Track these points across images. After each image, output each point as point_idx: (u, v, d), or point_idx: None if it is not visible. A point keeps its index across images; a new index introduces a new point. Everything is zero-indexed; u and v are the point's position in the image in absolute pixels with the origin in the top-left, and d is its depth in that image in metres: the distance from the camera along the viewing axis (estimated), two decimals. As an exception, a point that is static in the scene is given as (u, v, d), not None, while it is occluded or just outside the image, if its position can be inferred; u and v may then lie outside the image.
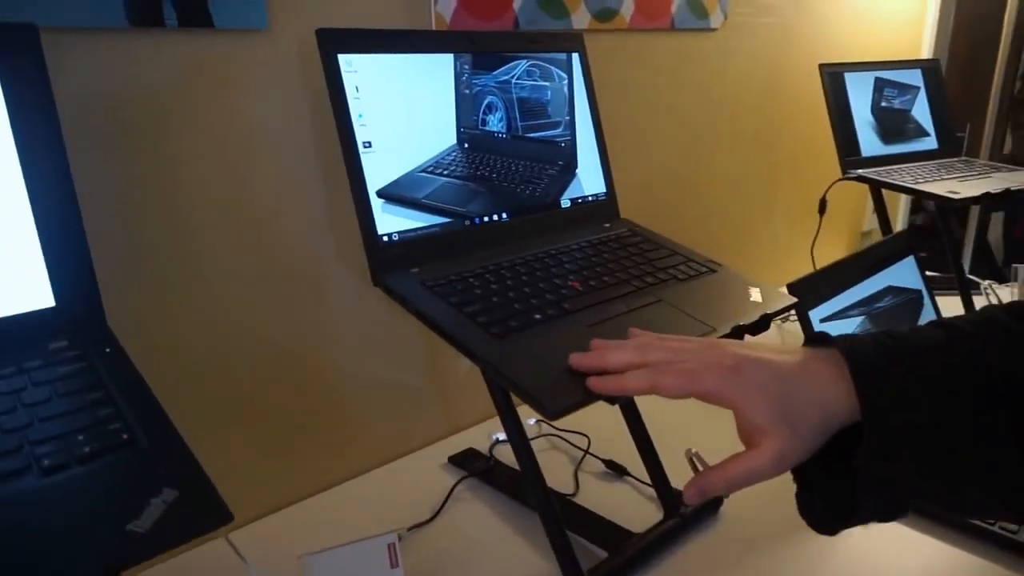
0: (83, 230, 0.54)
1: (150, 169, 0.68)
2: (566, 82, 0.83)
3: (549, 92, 0.81)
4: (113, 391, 0.48)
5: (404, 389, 0.94)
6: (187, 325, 0.73)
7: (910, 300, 1.02)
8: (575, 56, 0.84)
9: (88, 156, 0.64)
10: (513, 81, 0.77)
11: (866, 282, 0.95)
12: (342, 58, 0.64)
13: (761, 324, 0.66)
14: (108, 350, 0.52)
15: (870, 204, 1.73)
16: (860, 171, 1.20)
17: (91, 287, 0.54)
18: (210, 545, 0.77)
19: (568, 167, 0.82)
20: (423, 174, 0.70)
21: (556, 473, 0.88)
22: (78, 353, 0.51)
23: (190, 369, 0.74)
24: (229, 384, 0.77)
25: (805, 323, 0.83)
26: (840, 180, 1.19)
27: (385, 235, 0.66)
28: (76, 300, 0.53)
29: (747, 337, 0.65)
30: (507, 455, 0.90)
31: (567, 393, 0.52)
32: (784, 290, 0.77)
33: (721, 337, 0.63)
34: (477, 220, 0.73)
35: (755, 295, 0.71)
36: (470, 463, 0.90)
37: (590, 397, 0.52)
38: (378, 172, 0.66)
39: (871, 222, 1.75)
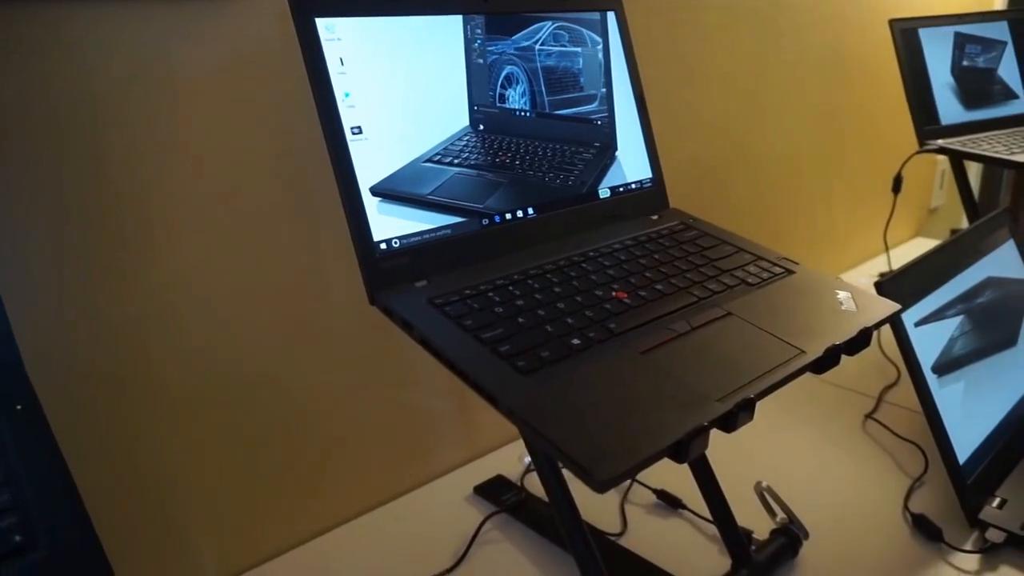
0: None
1: (102, 167, 0.56)
2: (600, 47, 0.68)
3: (581, 59, 0.67)
4: (18, 470, 0.37)
5: (419, 409, 0.81)
6: (156, 358, 0.61)
7: (1014, 293, 0.86)
8: (611, 16, 0.69)
9: (23, 154, 0.52)
10: (537, 47, 0.63)
11: (963, 275, 0.80)
12: (321, 23, 0.51)
13: (860, 341, 0.52)
14: (19, 408, 0.40)
15: (937, 178, 1.56)
16: (940, 141, 1.04)
17: (1, 323, 0.43)
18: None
19: (606, 149, 0.68)
20: (428, 165, 0.56)
21: (599, 507, 0.76)
22: (-21, 415, 0.39)
23: (167, 403, 0.63)
24: (211, 417, 0.66)
25: (899, 330, 0.69)
26: (918, 153, 1.03)
27: (383, 242, 0.53)
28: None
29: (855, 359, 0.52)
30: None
31: (620, 455, 0.39)
32: (874, 290, 0.63)
33: (815, 361, 0.49)
34: (497, 218, 0.59)
35: (847, 302, 0.57)
36: (499, 494, 0.78)
37: (649, 459, 0.39)
38: (372, 164, 0.53)
39: (939, 198, 1.58)
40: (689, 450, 0.41)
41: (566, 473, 0.52)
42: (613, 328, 0.50)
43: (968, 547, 0.67)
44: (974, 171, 1.63)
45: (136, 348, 0.60)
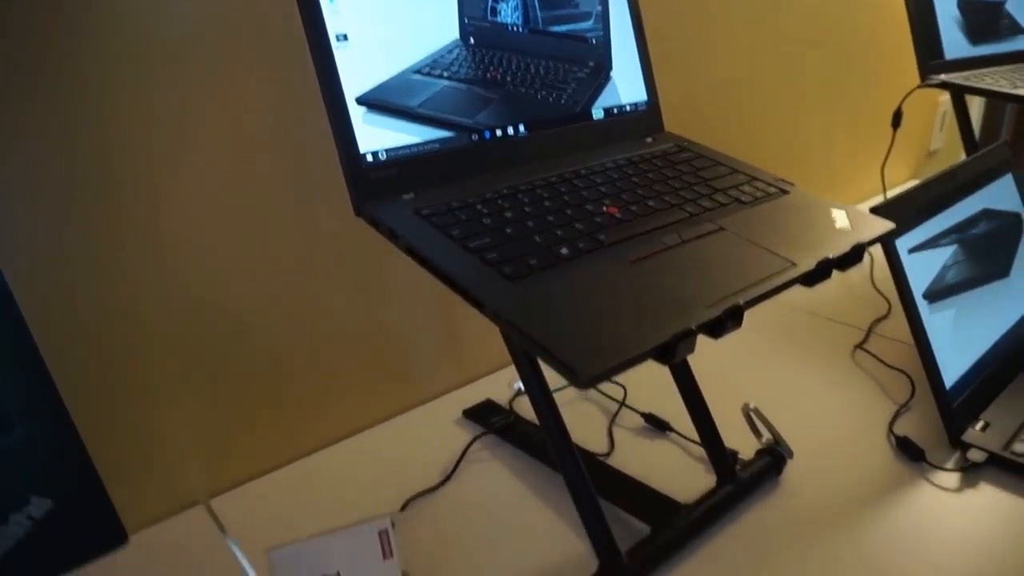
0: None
1: (86, 91, 0.55)
2: (597, -40, 0.66)
3: (576, -28, 0.65)
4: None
5: (411, 332, 0.82)
6: (144, 277, 0.61)
7: (1009, 225, 0.86)
8: (607, -73, 0.67)
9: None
10: (530, -44, 0.62)
11: (959, 205, 0.79)
12: (305, -80, 0.49)
13: (852, 256, 0.52)
14: None
15: (938, 120, 1.54)
16: (943, 76, 1.01)
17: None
18: (188, 513, 0.67)
19: (600, 69, 0.66)
20: (417, 76, 0.55)
21: (587, 429, 0.77)
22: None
23: (154, 321, 0.63)
24: (202, 338, 0.66)
25: (892, 256, 0.69)
26: (920, 87, 1.01)
27: (369, 153, 0.52)
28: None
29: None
30: (530, 408, 0.78)
31: (604, 353, 0.39)
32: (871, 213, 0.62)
33: (806, 274, 0.49)
34: (487, 134, 0.59)
35: (841, 220, 0.56)
36: (487, 417, 0.78)
37: (635, 359, 0.39)
38: (358, 74, 0.52)
39: (938, 141, 1.57)
40: (675, 352, 0.41)
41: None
42: (603, 240, 0.50)
43: (949, 466, 0.68)
44: (976, 111, 1.61)
45: (122, 267, 0.60)
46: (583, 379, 0.38)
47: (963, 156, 1.20)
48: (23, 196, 0.54)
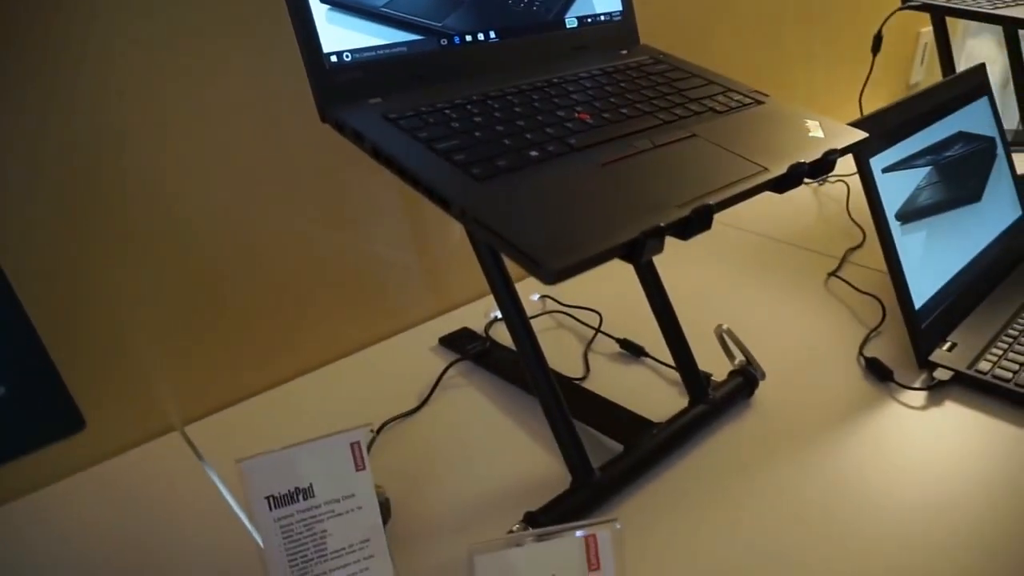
0: None
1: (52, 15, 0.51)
2: None
3: None
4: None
5: (386, 262, 0.80)
6: (115, 199, 0.59)
7: (982, 149, 0.86)
8: None
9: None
10: None
11: (934, 126, 0.79)
12: None
13: (824, 164, 0.51)
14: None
15: (919, 52, 1.52)
16: (924, -2, 1.00)
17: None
18: (164, 439, 0.67)
19: (574, -25, 0.64)
20: (382, -27, 0.53)
21: (563, 355, 0.77)
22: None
23: (122, 241, 0.61)
24: (177, 265, 0.64)
25: (865, 173, 0.68)
26: (900, 9, 0.99)
27: (333, 54, 0.50)
28: None
29: (804, 181, 0.51)
30: (506, 335, 0.78)
31: (571, 248, 0.38)
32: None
33: (778, 178, 0.48)
34: (457, 39, 0.56)
35: (814, 129, 0.55)
36: (464, 344, 0.78)
37: (602, 255, 0.38)
38: (319, -33, 0.49)
39: (919, 73, 1.55)
40: (643, 250, 0.40)
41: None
42: (573, 143, 0.49)
43: (916, 385, 0.69)
44: (957, 45, 1.60)
45: (93, 186, 0.58)
46: (549, 272, 0.37)
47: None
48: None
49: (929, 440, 0.62)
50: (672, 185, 0.46)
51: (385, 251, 0.80)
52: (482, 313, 0.86)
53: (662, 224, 0.41)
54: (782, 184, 0.49)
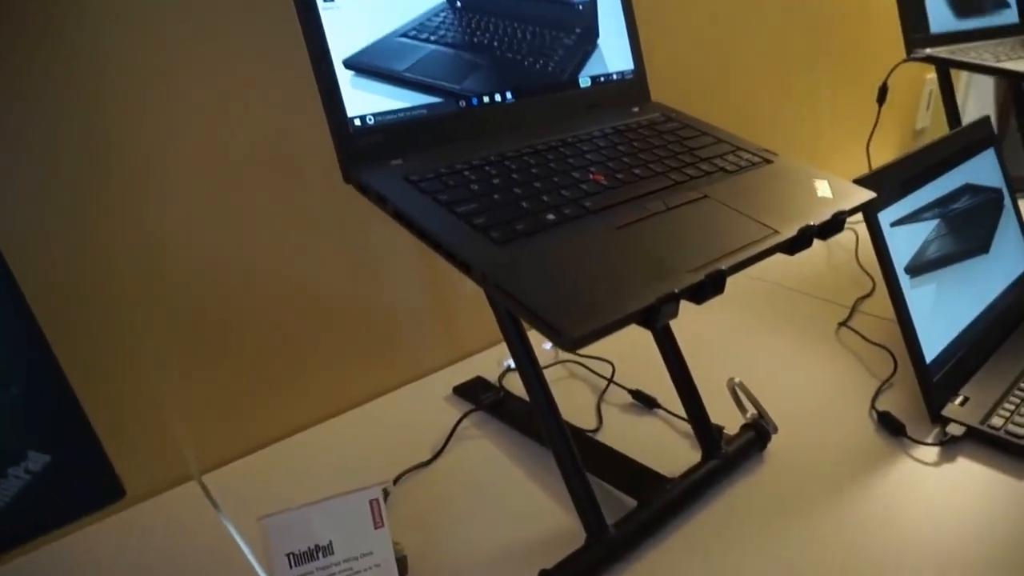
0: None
1: (75, 35, 0.54)
2: (585, -71, 0.66)
3: (564, -60, 0.64)
4: (-18, 319, 0.36)
5: (401, 310, 0.81)
6: (135, 246, 0.60)
7: (990, 201, 0.87)
8: None
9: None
10: (518, -78, 0.61)
11: (941, 179, 0.80)
12: None
13: (833, 225, 0.53)
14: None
15: (925, 98, 1.55)
16: (928, 50, 1.02)
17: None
18: (180, 489, 0.67)
19: (588, 36, 0.66)
20: (404, 40, 0.55)
21: (575, 405, 0.77)
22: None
23: (143, 296, 0.62)
24: (194, 313, 0.65)
25: (874, 228, 0.69)
26: (905, 61, 1.02)
27: (357, 118, 0.52)
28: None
29: (814, 242, 0.52)
30: (519, 385, 0.78)
31: (590, 316, 0.39)
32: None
33: (788, 241, 0.49)
34: (475, 100, 0.58)
35: (823, 189, 0.56)
36: (478, 394, 0.79)
37: (619, 321, 0.39)
38: (345, 36, 0.51)
39: (924, 119, 1.57)
40: (659, 316, 0.41)
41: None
42: (589, 206, 0.50)
43: (929, 440, 0.69)
44: (962, 89, 1.62)
45: (112, 234, 0.59)
46: (568, 340, 0.38)
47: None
48: (8, 160, 0.53)
49: (943, 497, 0.62)
50: (685, 248, 0.47)
51: (400, 299, 0.81)
52: (495, 361, 0.87)
53: (676, 290, 0.42)
54: (793, 247, 0.50)
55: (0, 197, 0.54)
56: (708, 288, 0.44)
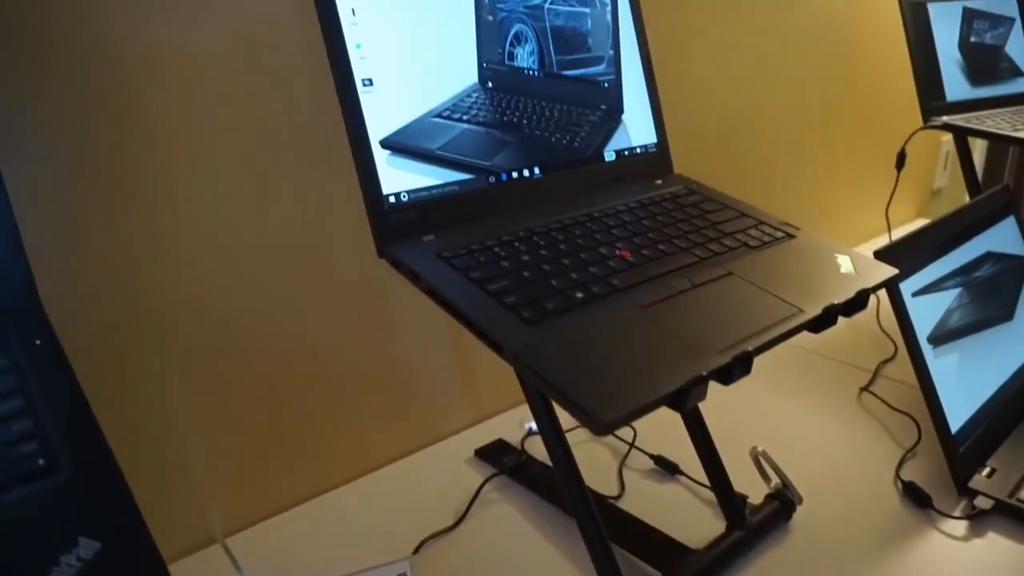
0: (5, 190, 0.42)
1: (104, 112, 0.56)
2: (609, 9, 0.69)
3: (589, 20, 0.67)
4: (36, 400, 0.38)
5: (423, 372, 0.82)
6: (164, 307, 0.62)
7: (1012, 268, 0.87)
8: (620, -21, 0.69)
9: (21, 98, 0.52)
10: (546, 6, 0.64)
11: (962, 248, 0.81)
12: (333, -27, 0.52)
13: (857, 302, 0.53)
14: (38, 342, 0.41)
15: (941, 159, 1.56)
16: (945, 118, 1.04)
17: (21, 265, 0.43)
18: (204, 552, 0.67)
19: (612, 112, 0.68)
20: (438, 120, 0.57)
21: (597, 470, 0.77)
22: (-3, 347, 0.40)
23: (169, 357, 0.64)
24: (219, 374, 0.67)
25: (896, 299, 0.70)
26: (922, 129, 1.03)
27: (392, 195, 0.54)
28: (1, 281, 0.42)
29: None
30: (541, 448, 0.79)
31: (620, 400, 0.40)
32: (873, 257, 0.63)
33: (813, 319, 0.50)
34: (504, 176, 0.60)
35: (845, 265, 0.57)
36: (499, 457, 0.79)
37: (649, 405, 0.40)
38: (382, 117, 0.54)
39: (942, 180, 1.59)
40: (688, 399, 0.42)
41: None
42: (616, 284, 0.51)
43: (957, 514, 0.68)
44: (978, 152, 1.64)
45: (142, 295, 0.61)
46: (600, 425, 0.38)
47: (967, 197, 1.22)
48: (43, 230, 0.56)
49: (972, 573, 0.61)
50: (711, 328, 0.48)
51: (423, 360, 0.82)
52: (516, 422, 0.87)
53: (705, 373, 0.43)
54: (817, 325, 0.51)
55: (42, 273, 0.56)
56: (735, 369, 0.45)
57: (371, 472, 0.79)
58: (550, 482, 0.74)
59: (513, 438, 0.83)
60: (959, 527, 0.67)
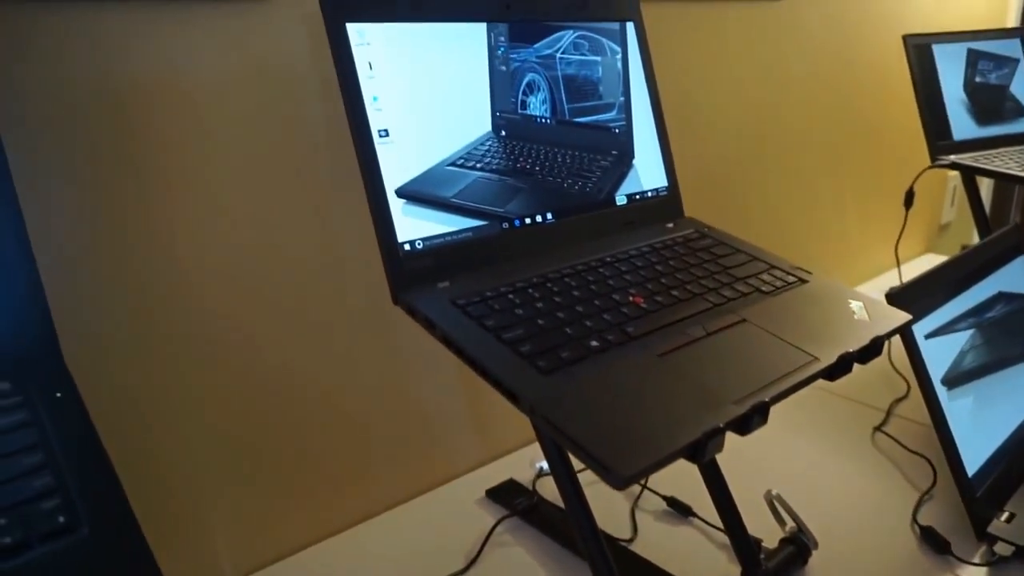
0: (28, 243, 0.43)
1: (124, 169, 0.57)
2: (619, 56, 0.70)
3: (600, 68, 0.68)
4: (57, 454, 0.38)
5: (433, 411, 0.82)
6: (176, 351, 0.63)
7: (1024, 308, 0.87)
8: (630, 26, 0.71)
9: (46, 154, 0.53)
10: (558, 55, 0.65)
11: (973, 289, 0.80)
12: (351, 28, 0.53)
13: (872, 349, 0.53)
14: (59, 395, 0.41)
15: (948, 194, 1.57)
16: (953, 157, 1.04)
17: (42, 316, 0.44)
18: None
19: (623, 157, 0.69)
20: (452, 168, 0.58)
21: (609, 512, 0.76)
22: (19, 400, 0.40)
23: (179, 400, 0.64)
24: (227, 416, 0.67)
25: (909, 342, 0.70)
26: (930, 168, 1.04)
27: (407, 243, 0.54)
28: (22, 332, 0.43)
29: (864, 371, 0.52)
30: (552, 488, 0.78)
31: (638, 453, 0.40)
32: (885, 300, 0.63)
33: (828, 368, 0.50)
34: (517, 222, 0.61)
35: (859, 311, 0.57)
36: (510, 498, 0.78)
37: (667, 458, 0.40)
38: (397, 166, 0.55)
39: (949, 214, 1.59)
40: (706, 451, 0.42)
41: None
42: (631, 331, 0.51)
43: (976, 560, 0.67)
44: (985, 188, 1.64)
45: (156, 340, 0.62)
46: (620, 480, 0.38)
47: (975, 232, 1.22)
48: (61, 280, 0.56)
49: (995, 624, 0.60)
50: (727, 377, 0.48)
51: (433, 401, 0.82)
52: (527, 461, 0.87)
53: (722, 424, 0.43)
54: (832, 373, 0.51)
55: (66, 330, 0.56)
56: (753, 419, 0.45)
57: (382, 512, 0.78)
58: (562, 525, 0.73)
59: (523, 477, 0.83)
60: (979, 574, 0.66)
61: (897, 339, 0.72)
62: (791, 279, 0.62)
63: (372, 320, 0.75)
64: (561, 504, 0.63)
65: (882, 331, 0.55)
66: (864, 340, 0.53)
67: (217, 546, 0.69)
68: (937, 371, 0.72)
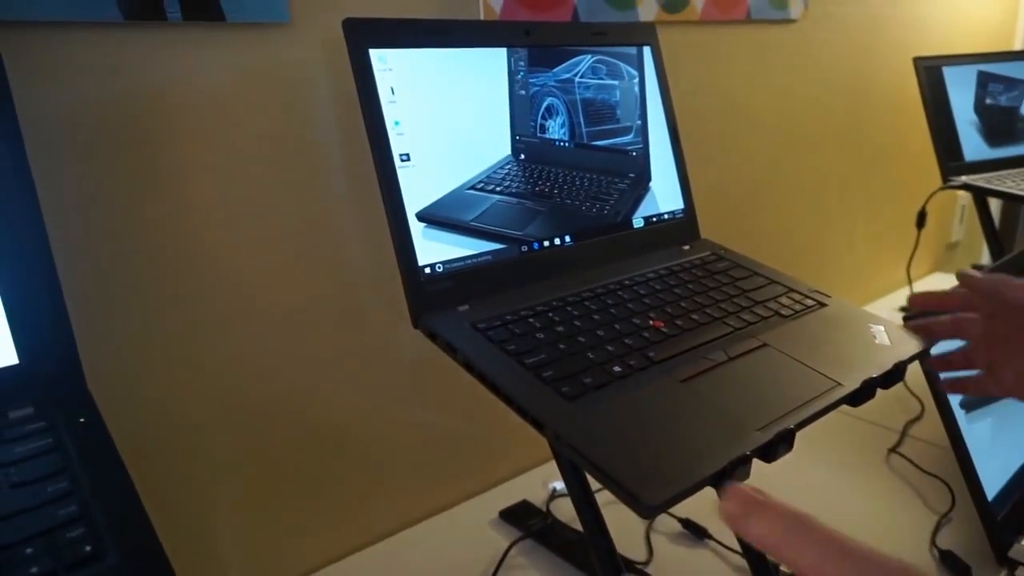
0: (53, 266, 0.43)
1: (147, 191, 0.58)
2: (636, 80, 0.70)
3: (618, 92, 0.68)
4: (83, 480, 0.38)
5: (446, 432, 0.82)
6: (194, 374, 0.63)
7: (1039, 330, 0.86)
8: (647, 50, 0.71)
9: (71, 175, 0.54)
10: (577, 80, 0.65)
11: (989, 310, 0.80)
12: (374, 54, 0.53)
13: (895, 375, 0.53)
14: (83, 420, 0.41)
15: (957, 213, 1.57)
16: (964, 178, 1.05)
17: (65, 339, 0.44)
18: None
19: (640, 180, 0.69)
20: (472, 192, 0.58)
21: (624, 533, 0.76)
22: (43, 425, 0.40)
23: (197, 422, 0.64)
24: (243, 438, 0.67)
25: (928, 368, 0.69)
26: (942, 189, 1.04)
27: (427, 266, 0.54)
28: (46, 356, 0.43)
29: (878, 392, 0.52)
30: (566, 509, 0.78)
31: (665, 481, 0.39)
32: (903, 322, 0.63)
33: (852, 394, 0.50)
34: (536, 245, 0.61)
35: (880, 336, 0.57)
36: (524, 519, 0.78)
37: (694, 487, 0.40)
38: (418, 190, 0.55)
39: (958, 233, 1.59)
40: (732, 478, 0.42)
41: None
42: (653, 356, 0.51)
43: (998, 585, 0.66)
44: (993, 208, 1.64)
45: (174, 361, 0.62)
46: (647, 509, 0.38)
47: (985, 250, 1.22)
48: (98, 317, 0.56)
49: (1019, 653, 0.59)
50: (750, 403, 0.48)
51: (446, 422, 0.82)
52: (540, 481, 0.86)
53: (748, 451, 0.43)
54: (855, 399, 0.51)
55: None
56: (778, 447, 0.44)
57: (396, 533, 0.78)
58: (576, 547, 0.72)
59: (536, 498, 0.82)
60: (1001, 600, 0.65)
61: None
62: (810, 302, 0.62)
63: (385, 341, 0.74)
64: (575, 525, 0.62)
65: (904, 356, 0.55)
66: (886, 365, 0.53)
67: (227, 565, 0.68)
68: (956, 394, 0.72)
